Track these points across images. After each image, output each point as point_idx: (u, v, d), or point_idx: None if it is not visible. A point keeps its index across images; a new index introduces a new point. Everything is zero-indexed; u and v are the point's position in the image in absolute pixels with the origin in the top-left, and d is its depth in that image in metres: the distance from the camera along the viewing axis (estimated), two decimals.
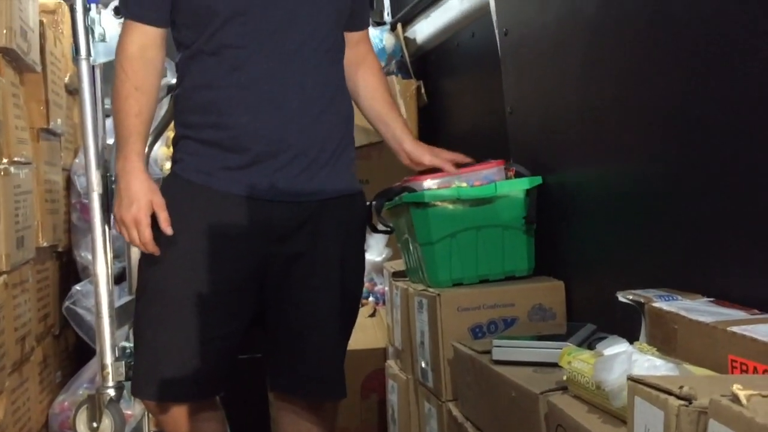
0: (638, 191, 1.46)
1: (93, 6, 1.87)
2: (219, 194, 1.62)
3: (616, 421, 1.02)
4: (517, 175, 1.80)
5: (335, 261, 1.66)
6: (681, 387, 0.79)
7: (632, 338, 1.16)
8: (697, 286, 1.26)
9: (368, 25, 1.88)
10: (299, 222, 1.63)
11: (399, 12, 2.99)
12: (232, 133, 1.60)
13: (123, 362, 1.84)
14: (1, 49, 2.12)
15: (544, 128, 1.83)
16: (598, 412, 1.07)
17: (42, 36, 2.51)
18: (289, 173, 1.61)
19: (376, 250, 2.66)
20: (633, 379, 0.88)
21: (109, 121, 2.07)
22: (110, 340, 1.84)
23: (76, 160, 2.94)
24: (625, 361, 1.00)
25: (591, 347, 1.27)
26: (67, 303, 2.75)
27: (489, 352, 1.44)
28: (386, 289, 2.30)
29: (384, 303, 2.53)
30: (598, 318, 1.55)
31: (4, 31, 2.10)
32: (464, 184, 1.76)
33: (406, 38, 2.90)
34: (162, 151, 2.85)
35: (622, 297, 1.28)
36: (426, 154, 1.81)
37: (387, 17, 3.12)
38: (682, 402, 0.78)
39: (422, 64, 2.94)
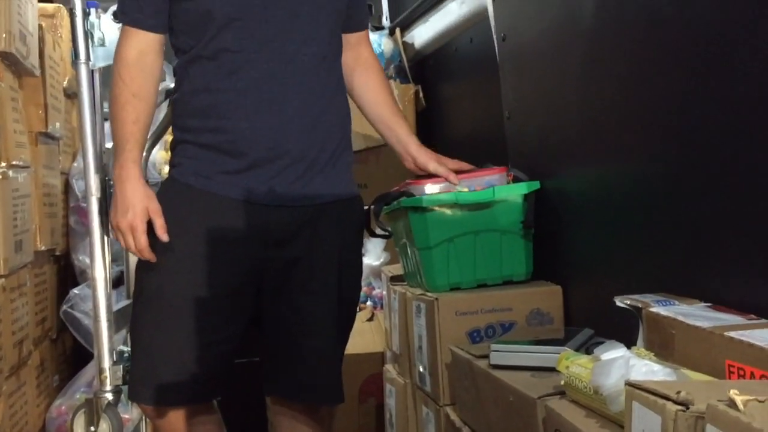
0: (636, 196, 1.46)
1: (92, 10, 1.87)
2: (217, 198, 1.62)
3: (614, 425, 1.03)
4: (515, 179, 1.81)
5: (333, 265, 1.67)
6: (678, 392, 0.79)
7: (630, 343, 1.17)
8: (694, 291, 1.26)
9: (367, 27, 1.86)
10: (297, 226, 1.63)
11: (397, 17, 3.00)
12: (230, 137, 1.60)
13: (121, 366, 1.84)
14: (0, 53, 2.12)
15: (542, 133, 1.84)
16: (595, 417, 1.07)
17: (41, 40, 2.51)
18: (287, 178, 1.62)
19: (374, 255, 2.66)
20: (631, 384, 0.89)
21: (107, 125, 2.07)
22: (108, 344, 1.84)
23: (74, 164, 2.94)
24: (623, 365, 1.00)
25: (589, 352, 1.27)
26: (64, 307, 2.74)
27: (487, 356, 1.45)
28: (384, 293, 2.30)
29: (382, 307, 2.53)
30: (596, 323, 1.56)
31: (3, 35, 2.10)
32: (465, 189, 1.76)
33: (404, 43, 2.91)
34: (160, 155, 2.85)
35: (620, 302, 1.28)
36: (431, 161, 1.80)
37: (385, 22, 3.13)
38: (680, 407, 0.79)
39: (420, 69, 2.95)
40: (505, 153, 1.98)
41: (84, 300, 2.71)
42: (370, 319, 2.62)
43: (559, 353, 1.23)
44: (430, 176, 1.81)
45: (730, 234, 1.20)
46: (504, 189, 1.77)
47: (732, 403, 0.71)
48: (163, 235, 1.57)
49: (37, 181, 2.48)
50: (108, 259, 1.88)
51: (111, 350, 1.84)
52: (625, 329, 1.27)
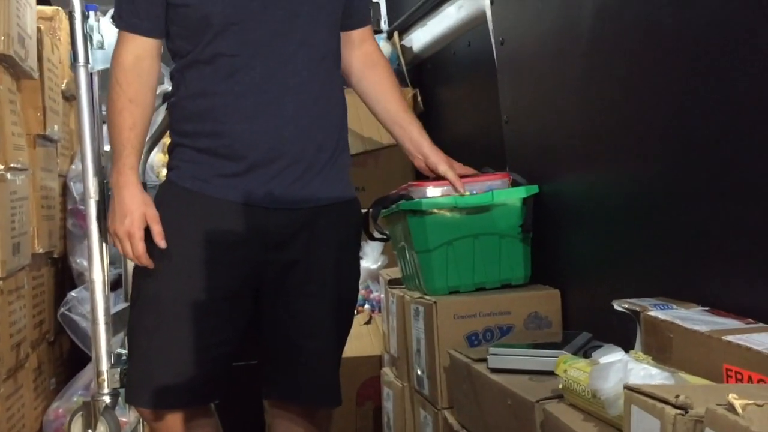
0: (634, 200, 1.46)
1: (92, 13, 1.87)
2: (215, 201, 1.62)
3: (612, 429, 1.03)
4: (514, 183, 1.81)
5: (330, 268, 1.66)
6: (677, 396, 0.80)
7: (628, 347, 1.17)
8: (692, 295, 1.27)
9: (370, 22, 1.82)
10: (295, 229, 1.63)
11: (396, 20, 3.00)
12: (228, 140, 1.60)
13: (119, 369, 1.84)
14: None
15: (540, 137, 1.84)
16: (593, 421, 1.07)
17: (39, 42, 2.51)
18: (285, 179, 1.61)
19: (372, 258, 2.67)
20: (630, 388, 0.89)
21: (106, 128, 2.07)
22: (106, 347, 1.84)
23: (72, 167, 2.94)
24: (621, 369, 1.00)
25: (587, 356, 1.27)
26: (62, 309, 2.74)
27: (485, 360, 1.45)
28: (382, 296, 2.30)
29: (379, 310, 2.53)
30: (594, 326, 1.56)
31: (2, 38, 2.10)
32: (467, 193, 1.76)
33: (402, 46, 2.91)
34: (158, 158, 2.85)
35: (618, 306, 1.28)
36: (442, 163, 1.78)
37: (384, 25, 3.13)
38: (679, 411, 0.79)
39: (418, 73, 2.95)
40: (503, 157, 1.98)
41: (81, 303, 2.71)
42: (368, 323, 2.62)
43: (557, 357, 1.23)
44: (432, 179, 1.80)
45: (728, 238, 1.21)
46: (503, 193, 1.78)
47: (731, 407, 0.71)
48: (160, 242, 1.57)
49: (34, 184, 2.48)
50: (106, 261, 1.88)
51: (109, 353, 1.84)
52: (623, 333, 1.27)
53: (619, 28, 1.46)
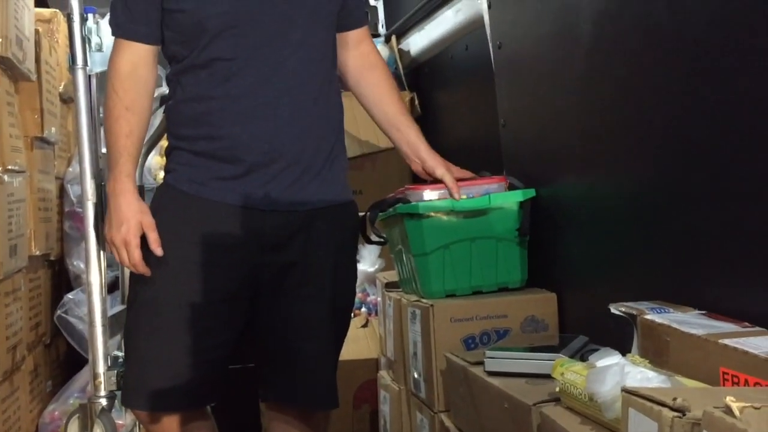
0: (630, 204, 1.47)
1: (90, 15, 1.87)
2: (212, 204, 1.62)
3: None
4: (511, 187, 1.81)
5: (328, 270, 1.67)
6: (675, 399, 0.80)
7: (624, 350, 1.17)
8: (688, 299, 1.27)
9: (367, 23, 1.81)
10: (292, 231, 1.63)
11: (393, 24, 3.01)
12: (225, 144, 1.60)
13: (115, 371, 1.83)
14: None
15: (538, 141, 1.84)
16: (590, 424, 1.08)
17: (37, 45, 2.51)
18: (282, 182, 1.62)
19: (368, 261, 2.67)
20: (627, 391, 0.89)
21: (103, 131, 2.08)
22: (103, 349, 1.84)
23: (70, 169, 2.94)
24: (618, 372, 1.01)
25: (583, 359, 1.28)
26: (58, 312, 2.74)
27: (482, 363, 1.45)
28: (379, 299, 2.30)
29: (376, 314, 2.53)
30: (591, 330, 1.56)
31: (0, 40, 2.10)
32: (464, 197, 1.76)
33: (400, 50, 2.91)
34: (156, 160, 2.85)
35: (615, 309, 1.28)
36: (440, 167, 1.77)
37: (381, 29, 3.14)
38: (676, 413, 0.79)
39: (416, 77, 2.95)
40: (500, 161, 1.98)
41: (78, 305, 2.70)
42: (365, 326, 2.62)
43: (553, 360, 1.24)
44: (430, 182, 1.80)
45: (725, 242, 1.21)
46: (500, 196, 1.78)
47: (728, 410, 0.71)
48: (156, 249, 1.57)
49: (32, 186, 2.48)
50: (103, 264, 1.87)
51: (105, 355, 1.84)
52: (619, 336, 1.28)
53: (617, 32, 1.46)
